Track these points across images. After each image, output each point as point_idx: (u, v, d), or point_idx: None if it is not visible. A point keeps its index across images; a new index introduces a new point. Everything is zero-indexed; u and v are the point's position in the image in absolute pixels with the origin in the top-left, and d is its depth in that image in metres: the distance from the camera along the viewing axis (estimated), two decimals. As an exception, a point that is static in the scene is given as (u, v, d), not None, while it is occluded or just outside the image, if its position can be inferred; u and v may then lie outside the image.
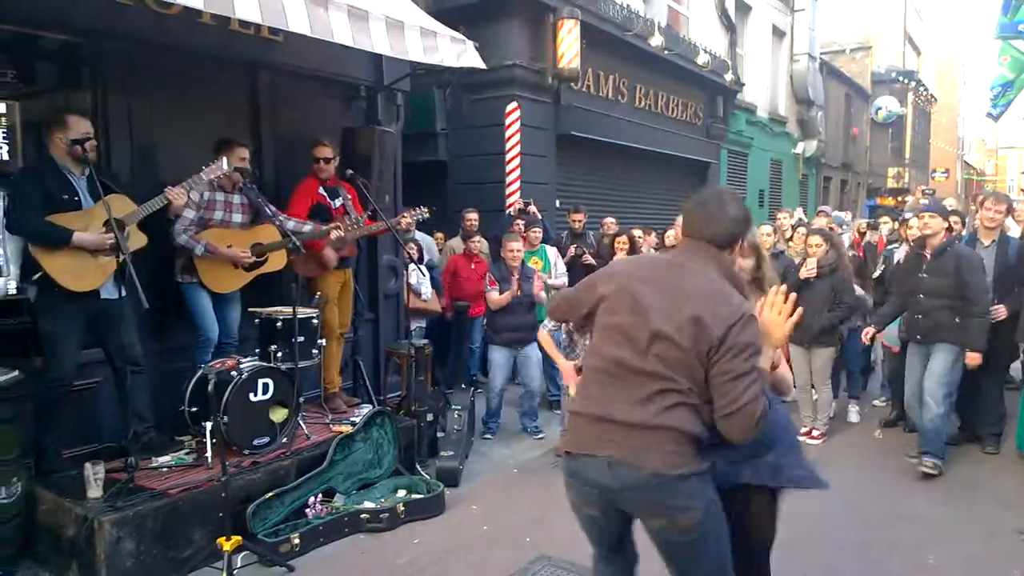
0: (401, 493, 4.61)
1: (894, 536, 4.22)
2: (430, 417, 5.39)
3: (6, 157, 4.07)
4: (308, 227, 4.86)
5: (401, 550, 4.08)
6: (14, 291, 3.96)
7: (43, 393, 3.85)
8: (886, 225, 7.43)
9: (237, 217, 4.72)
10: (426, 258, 7.15)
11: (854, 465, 5.41)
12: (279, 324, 4.60)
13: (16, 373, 3.61)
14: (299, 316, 4.55)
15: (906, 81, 28.65)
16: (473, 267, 7.05)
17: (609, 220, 8.27)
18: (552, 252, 7.06)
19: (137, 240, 4.07)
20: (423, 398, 5.46)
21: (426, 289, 6.76)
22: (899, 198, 25.64)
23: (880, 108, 26.55)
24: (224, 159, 4.33)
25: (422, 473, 5.00)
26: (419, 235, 7.09)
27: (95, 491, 3.66)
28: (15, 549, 3.66)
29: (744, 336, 2.14)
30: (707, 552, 2.25)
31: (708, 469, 2.23)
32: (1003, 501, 4.69)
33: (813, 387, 6.01)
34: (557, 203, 9.52)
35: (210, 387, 3.88)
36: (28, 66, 4.27)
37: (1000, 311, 5.33)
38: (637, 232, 7.50)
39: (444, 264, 7.41)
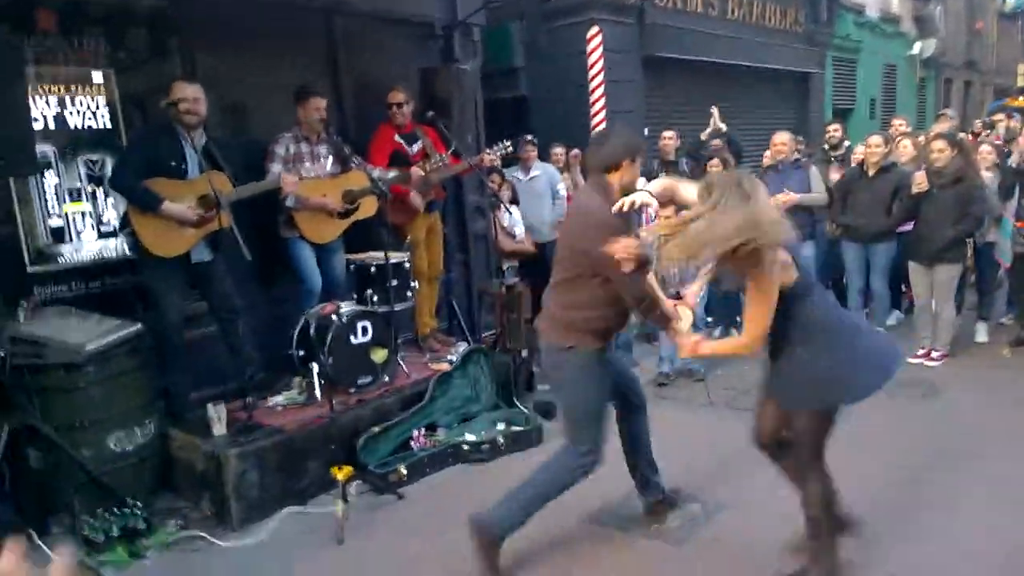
0: (500, 426, 4.73)
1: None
2: (524, 353, 5.46)
3: (108, 126, 4.32)
4: (391, 174, 4.95)
5: (502, 479, 4.18)
6: (131, 252, 4.27)
7: (160, 343, 4.11)
8: (1002, 124, 6.88)
9: (326, 166, 4.85)
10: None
11: (984, 387, 5.11)
12: (373, 269, 4.79)
13: (139, 326, 3.90)
14: (391, 261, 4.70)
15: (1039, -38, 25.73)
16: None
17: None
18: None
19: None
20: (517, 335, 5.53)
21: (519, 230, 6.72)
22: (1032, 96, 23.38)
23: (1008, -4, 24.02)
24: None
25: (520, 407, 5.10)
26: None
27: (219, 429, 3.95)
28: (154, 482, 4.03)
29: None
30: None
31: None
32: None
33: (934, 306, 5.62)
34: (646, 131, 9.23)
35: (312, 332, 4.08)
36: (119, 36, 4.41)
37: None
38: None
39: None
